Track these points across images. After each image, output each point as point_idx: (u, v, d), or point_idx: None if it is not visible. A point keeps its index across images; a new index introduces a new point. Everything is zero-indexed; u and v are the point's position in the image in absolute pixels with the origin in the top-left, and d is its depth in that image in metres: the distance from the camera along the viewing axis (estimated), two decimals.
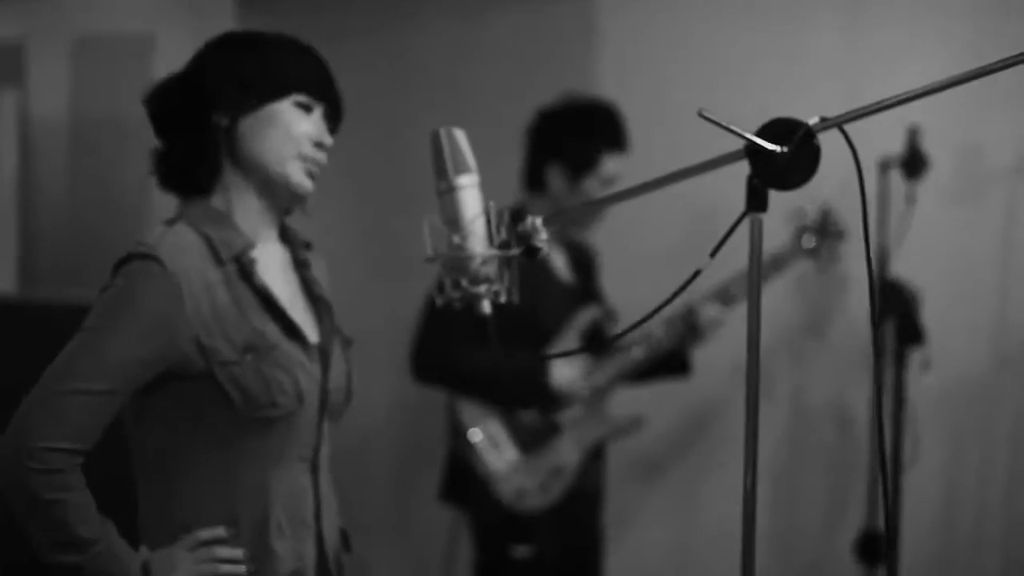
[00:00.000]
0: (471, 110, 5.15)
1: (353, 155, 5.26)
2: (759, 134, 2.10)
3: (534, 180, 4.39)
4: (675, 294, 2.16)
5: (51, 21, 5.81)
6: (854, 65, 4.99)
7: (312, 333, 2.50)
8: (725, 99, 4.82)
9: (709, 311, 4.36)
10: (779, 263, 4.49)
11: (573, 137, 4.32)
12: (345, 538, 2.62)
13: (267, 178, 2.46)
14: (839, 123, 2.10)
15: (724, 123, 2.07)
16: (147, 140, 2.52)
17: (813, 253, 4.58)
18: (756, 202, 2.12)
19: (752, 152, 2.10)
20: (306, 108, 2.47)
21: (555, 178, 4.33)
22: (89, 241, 5.61)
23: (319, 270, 2.62)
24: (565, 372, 4.25)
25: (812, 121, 2.10)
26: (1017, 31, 4.73)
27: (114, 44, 5.65)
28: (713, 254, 2.15)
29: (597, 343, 4.42)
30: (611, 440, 4.50)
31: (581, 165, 4.30)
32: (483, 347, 4.16)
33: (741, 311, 4.37)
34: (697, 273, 2.15)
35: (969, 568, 5.00)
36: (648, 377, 4.50)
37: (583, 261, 4.56)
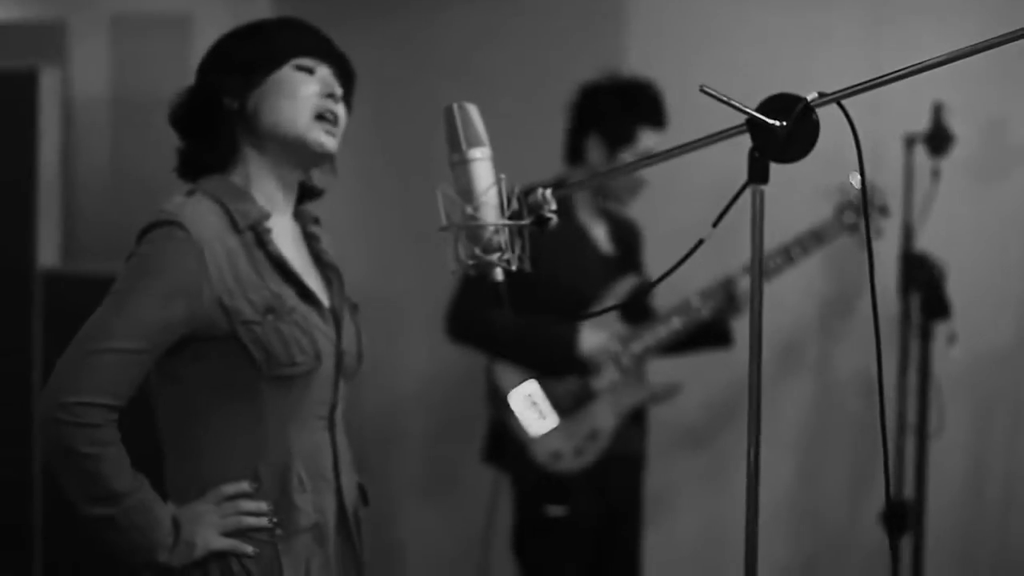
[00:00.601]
0: (499, 88, 5.22)
1: (386, 128, 5.36)
2: (760, 109, 2.16)
3: (574, 152, 4.49)
4: (678, 263, 2.22)
5: (90, 2, 5.89)
6: (880, 45, 5.03)
7: (324, 298, 2.60)
8: (750, 78, 4.90)
9: (743, 283, 4.40)
10: (820, 237, 4.53)
11: (613, 110, 4.41)
12: (363, 492, 2.71)
13: (285, 144, 2.55)
14: (837, 98, 2.15)
15: (724, 98, 2.13)
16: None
17: (853, 228, 4.61)
18: (757, 174, 2.18)
19: (753, 126, 2.16)
20: (308, 70, 2.56)
21: (593, 150, 4.42)
22: (129, 216, 5.66)
23: (326, 243, 2.72)
24: (594, 339, 4.34)
25: (810, 96, 2.15)
26: None
27: (153, 24, 5.72)
28: (715, 224, 2.21)
29: (630, 308, 4.48)
30: (648, 406, 4.56)
31: (619, 138, 4.38)
32: (518, 311, 4.25)
33: (780, 282, 4.46)
34: (700, 243, 2.20)
35: (995, 538, 5.04)
36: (690, 348, 4.56)
37: (625, 235, 4.63)
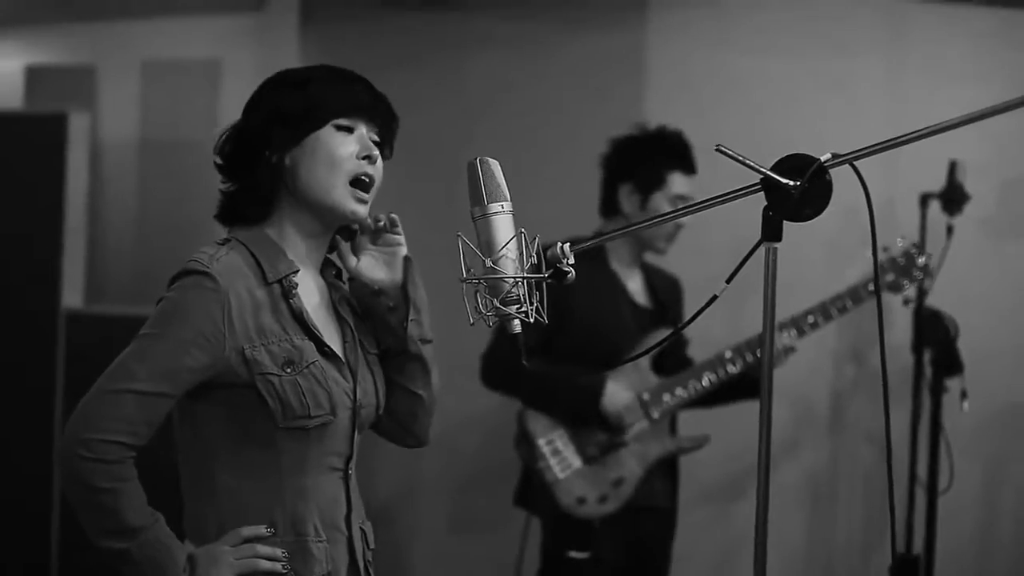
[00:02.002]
0: (523, 140, 5.27)
1: (411, 180, 5.41)
2: (774, 168, 2.21)
3: (609, 205, 4.56)
4: (692, 318, 2.28)
5: (121, 46, 5.97)
6: (898, 98, 5.08)
7: (339, 350, 2.65)
8: (768, 130, 4.95)
9: (782, 338, 4.43)
10: (858, 296, 4.54)
11: (641, 158, 4.49)
12: (364, 536, 2.73)
13: (319, 208, 2.61)
14: (850, 159, 2.19)
15: (740, 157, 2.19)
16: (212, 162, 2.69)
17: (894, 288, 4.60)
18: (771, 232, 2.24)
19: (768, 186, 2.22)
20: (347, 130, 2.61)
21: (626, 200, 4.49)
22: (154, 260, 5.76)
23: (345, 293, 2.76)
24: (619, 395, 4.39)
25: (824, 157, 2.19)
26: None
27: (182, 69, 5.81)
28: (729, 280, 2.26)
29: (664, 360, 4.51)
30: (676, 456, 4.57)
31: (649, 184, 4.45)
32: (551, 362, 4.31)
33: (813, 340, 4.46)
34: (713, 298, 2.26)
35: None
36: (722, 400, 4.59)
37: (663, 287, 4.67)
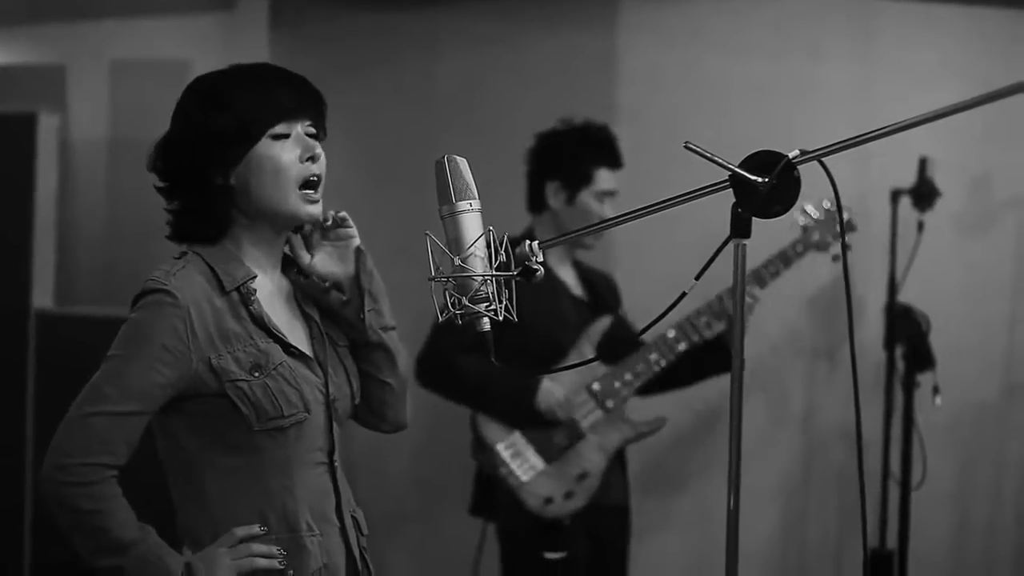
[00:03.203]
0: (492, 138, 5.26)
1: (381, 179, 5.41)
2: (743, 165, 2.21)
3: (536, 201, 4.54)
4: (662, 315, 2.27)
5: (90, 46, 5.95)
6: (868, 95, 5.10)
7: (307, 348, 2.67)
8: (739, 128, 4.96)
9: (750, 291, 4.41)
10: (788, 258, 4.52)
11: (567, 154, 4.48)
12: (356, 523, 2.76)
13: (274, 219, 2.62)
14: (818, 156, 2.19)
15: (708, 154, 2.19)
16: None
17: (820, 246, 4.55)
18: (740, 229, 2.23)
19: (736, 182, 2.22)
20: (284, 136, 2.60)
21: (552, 196, 4.48)
22: (125, 260, 5.75)
23: (307, 291, 2.76)
24: (552, 394, 4.37)
25: (792, 154, 2.19)
26: None
27: (151, 69, 5.79)
28: (698, 277, 2.26)
29: (606, 349, 4.51)
30: (634, 442, 4.55)
31: (576, 180, 4.45)
32: (488, 360, 4.25)
33: (766, 331, 4.45)
34: (683, 295, 2.26)
35: None
36: (699, 376, 4.59)
37: (596, 279, 4.67)
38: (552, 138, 4.54)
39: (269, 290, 2.67)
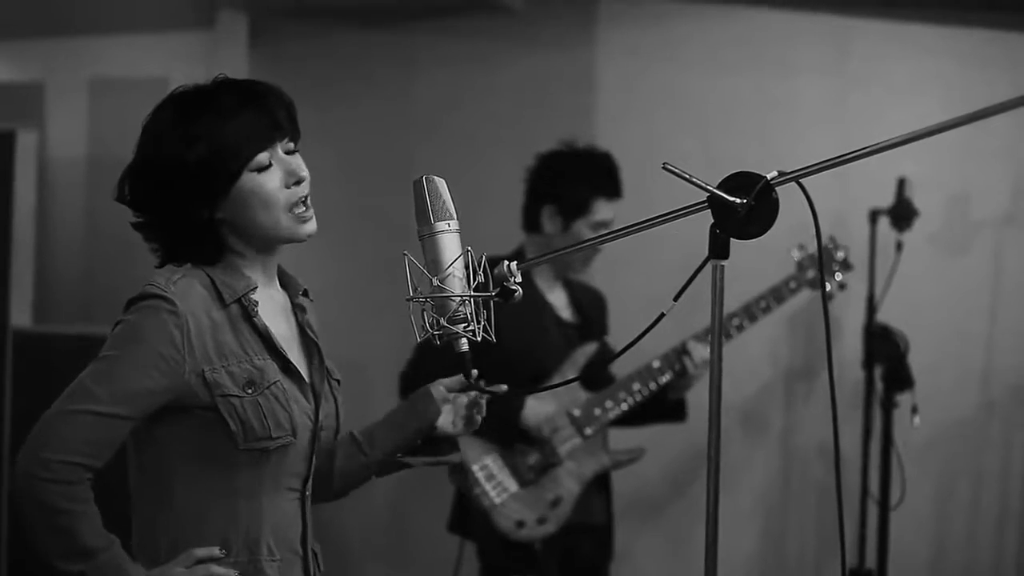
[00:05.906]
0: (471, 156, 5.27)
1: (360, 196, 5.41)
2: (721, 186, 2.20)
3: (530, 222, 4.51)
4: (639, 337, 2.26)
5: (69, 63, 5.94)
6: (844, 112, 5.11)
7: (304, 372, 2.64)
8: (717, 144, 4.98)
9: (701, 351, 4.36)
10: (781, 295, 4.52)
11: (568, 181, 4.42)
12: (316, 557, 2.71)
13: (273, 242, 2.60)
14: (796, 177, 2.18)
15: (687, 175, 2.18)
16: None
17: (814, 284, 4.56)
18: (718, 250, 2.22)
19: (714, 203, 2.21)
20: (266, 166, 2.54)
21: (548, 220, 4.43)
22: (103, 279, 5.73)
23: (312, 314, 2.75)
24: (539, 411, 4.35)
25: (771, 175, 2.18)
26: (1013, 80, 4.87)
27: (130, 86, 5.78)
28: (676, 298, 2.26)
29: (590, 376, 4.47)
30: (611, 471, 4.53)
31: (573, 209, 4.40)
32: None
33: (745, 351, 4.45)
34: (661, 316, 2.25)
35: None
36: (645, 420, 4.55)
37: (587, 301, 4.63)
38: (553, 161, 4.50)
39: (269, 306, 2.63)
